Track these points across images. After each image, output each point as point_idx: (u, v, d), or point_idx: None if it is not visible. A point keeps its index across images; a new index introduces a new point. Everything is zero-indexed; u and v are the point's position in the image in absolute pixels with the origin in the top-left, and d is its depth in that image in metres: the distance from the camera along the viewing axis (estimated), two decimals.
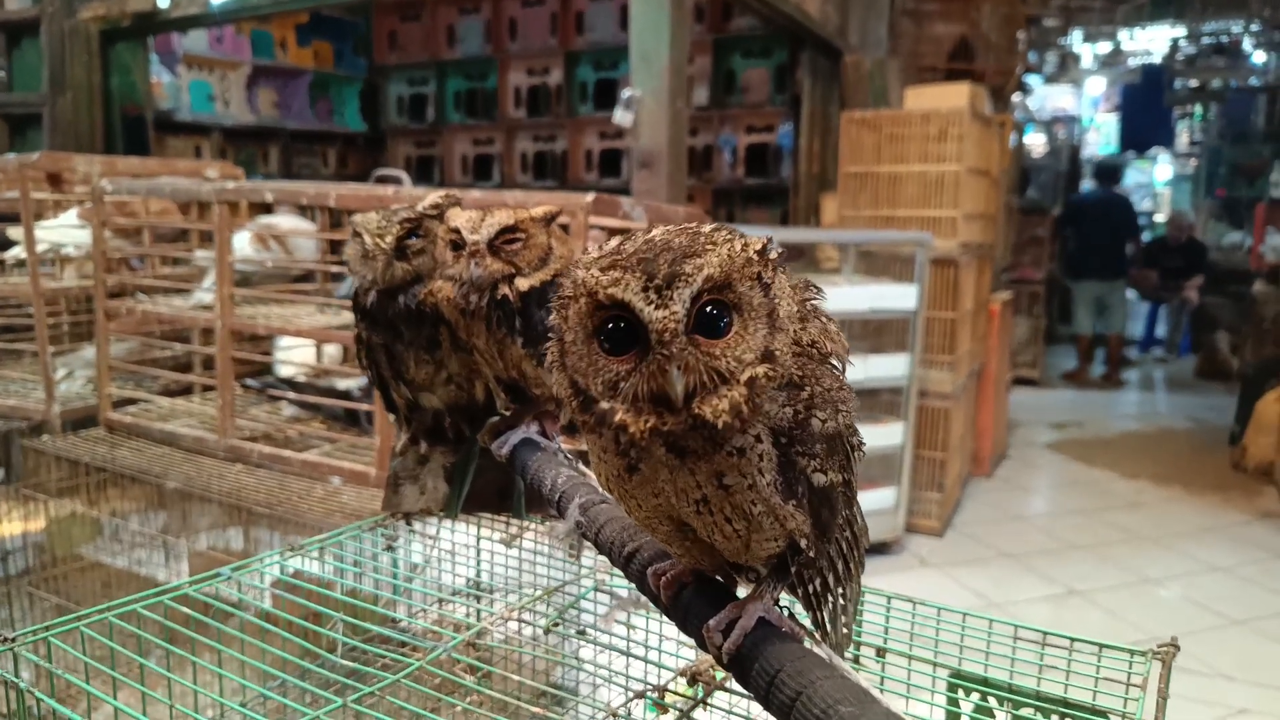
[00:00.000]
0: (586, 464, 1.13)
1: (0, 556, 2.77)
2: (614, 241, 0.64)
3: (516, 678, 1.04)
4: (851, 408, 0.70)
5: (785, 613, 0.71)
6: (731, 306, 0.62)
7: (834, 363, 0.68)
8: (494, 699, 1.01)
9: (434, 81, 8.68)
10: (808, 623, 0.73)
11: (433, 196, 1.13)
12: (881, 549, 4.60)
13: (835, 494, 0.69)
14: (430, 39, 8.58)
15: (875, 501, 4.52)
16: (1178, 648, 0.91)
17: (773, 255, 0.64)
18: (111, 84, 5.76)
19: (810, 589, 0.71)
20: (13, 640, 0.87)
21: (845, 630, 0.76)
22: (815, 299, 0.69)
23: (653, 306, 0.59)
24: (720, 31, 7.37)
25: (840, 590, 0.74)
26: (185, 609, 1.02)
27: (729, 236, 0.63)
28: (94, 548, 2.63)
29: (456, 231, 1.02)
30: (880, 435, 4.52)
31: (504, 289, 1.03)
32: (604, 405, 0.62)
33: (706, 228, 0.64)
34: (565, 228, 1.99)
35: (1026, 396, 8.13)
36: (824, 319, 0.69)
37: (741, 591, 0.75)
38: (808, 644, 0.68)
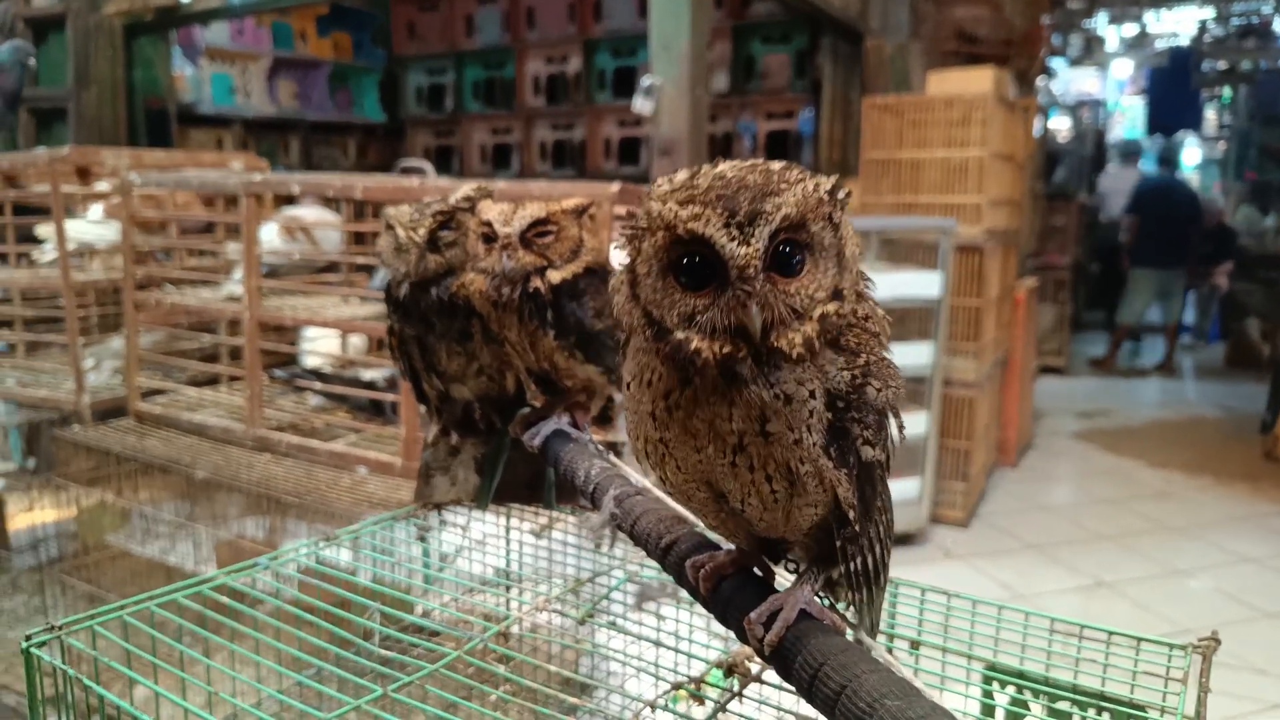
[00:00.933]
0: (618, 455, 1.13)
1: (33, 544, 2.82)
2: (682, 174, 0.65)
3: (551, 668, 1.04)
4: (900, 386, 0.70)
5: (826, 604, 0.71)
6: (804, 245, 0.63)
7: (883, 340, 0.69)
8: (526, 689, 1.01)
9: (452, 71, 8.68)
10: (842, 608, 0.73)
11: (465, 189, 1.13)
12: (906, 540, 4.57)
13: (876, 472, 0.70)
14: (448, 29, 8.58)
15: (899, 492, 4.48)
16: (1219, 641, 0.89)
17: (841, 196, 0.65)
18: (135, 78, 5.82)
19: (852, 567, 0.70)
20: (60, 629, 0.88)
21: (875, 619, 0.76)
22: (866, 283, 0.69)
23: (735, 243, 0.60)
24: (740, 17, 7.31)
25: (876, 575, 0.74)
26: (224, 598, 1.03)
27: (801, 176, 0.64)
28: (123, 536, 2.67)
29: (489, 225, 1.02)
30: (904, 424, 4.49)
31: (536, 282, 1.03)
32: (679, 335, 0.63)
33: (776, 165, 0.64)
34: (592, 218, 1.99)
35: (1053, 385, 8.05)
36: (872, 302, 0.69)
37: (780, 584, 0.75)
38: (849, 635, 0.67)
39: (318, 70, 8.19)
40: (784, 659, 0.64)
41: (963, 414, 4.84)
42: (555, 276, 1.04)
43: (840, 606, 0.74)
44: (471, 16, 8.48)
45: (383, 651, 0.97)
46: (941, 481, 4.86)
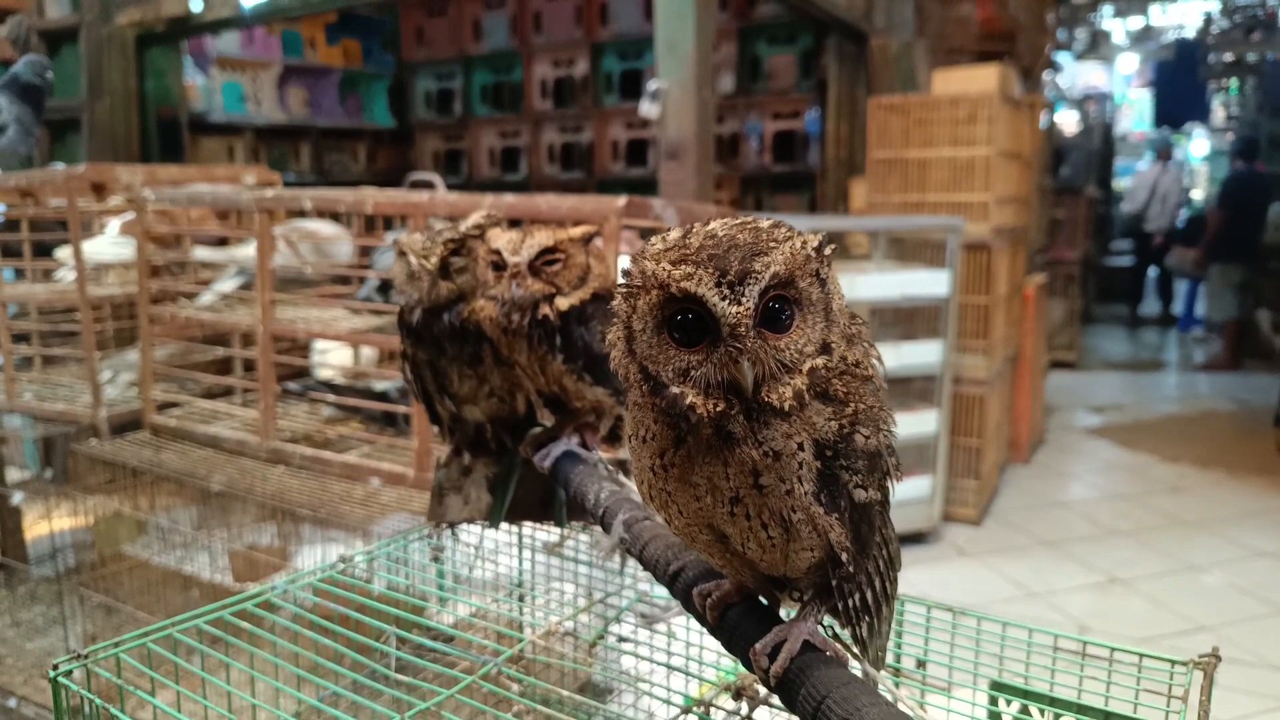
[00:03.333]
0: (627, 474, 1.15)
1: (50, 556, 2.86)
2: (675, 234, 0.67)
3: (563, 691, 1.06)
4: (892, 428, 0.71)
5: (830, 634, 0.72)
6: (793, 301, 0.65)
7: (876, 383, 0.70)
8: (539, 711, 1.03)
9: (461, 76, 8.72)
10: (847, 636, 0.75)
11: (475, 216, 1.16)
12: (918, 538, 4.58)
13: (873, 511, 0.72)
14: (456, 34, 8.62)
15: (911, 490, 4.49)
16: (1219, 658, 0.90)
17: (827, 252, 0.67)
18: (147, 88, 5.87)
19: (850, 603, 0.72)
20: (85, 657, 0.91)
21: (881, 649, 0.78)
22: (859, 325, 0.70)
23: (726, 302, 0.62)
24: (745, 19, 7.32)
25: (878, 608, 0.75)
26: (242, 623, 1.05)
27: (789, 234, 0.66)
28: (140, 546, 2.70)
29: (498, 253, 1.04)
30: (914, 423, 4.49)
31: (544, 308, 1.05)
32: (674, 390, 0.65)
33: (764, 223, 0.67)
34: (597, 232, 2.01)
35: (1064, 380, 8.02)
36: (867, 344, 0.71)
37: (785, 612, 0.76)
38: (853, 667, 0.69)
39: (327, 77, 8.24)
40: (788, 690, 0.66)
41: (974, 411, 4.84)
42: (563, 303, 1.06)
43: (847, 635, 0.75)
44: (479, 21, 8.51)
45: (397, 676, 0.99)
46: (953, 479, 4.86)
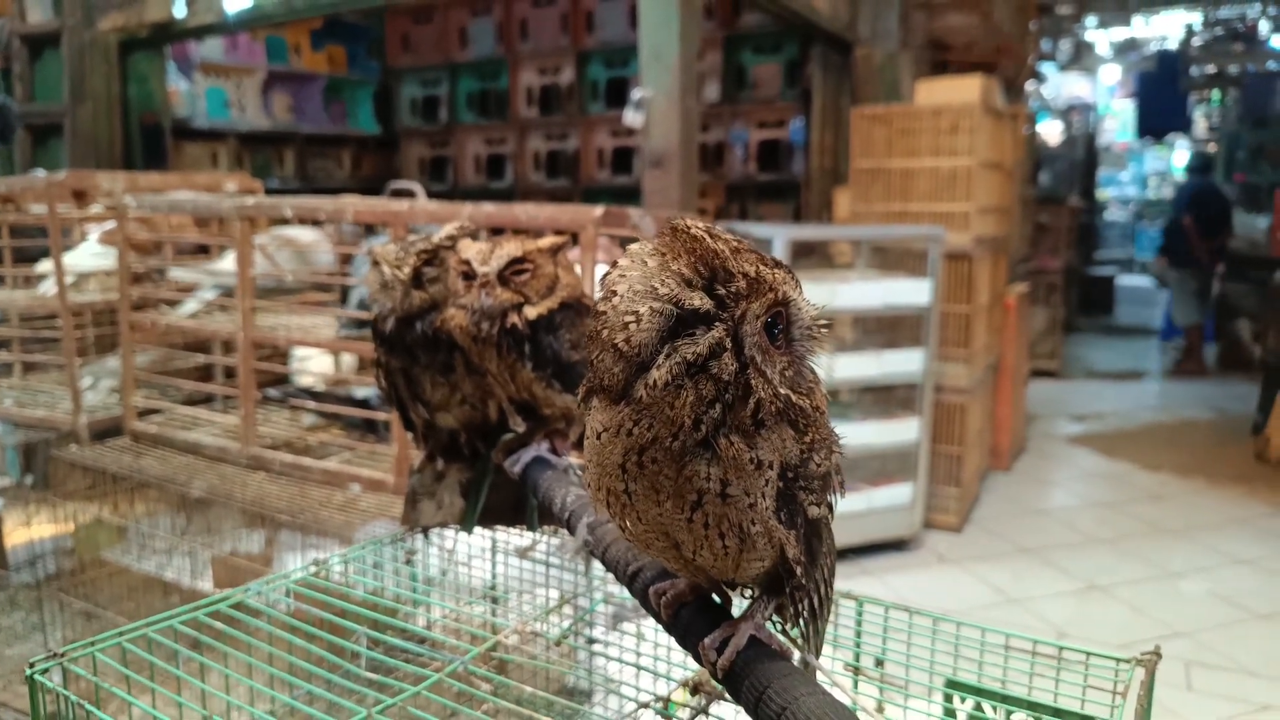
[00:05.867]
0: None
1: (30, 561, 2.86)
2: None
3: (529, 688, 1.09)
4: (840, 450, 0.75)
5: (777, 630, 0.76)
6: (784, 324, 0.70)
7: (826, 415, 0.74)
8: (509, 709, 1.06)
9: (446, 83, 8.74)
10: (792, 633, 0.79)
11: (447, 228, 1.18)
12: (899, 545, 4.62)
13: (823, 525, 0.76)
14: (442, 41, 8.64)
15: (892, 498, 4.54)
16: (1159, 655, 0.94)
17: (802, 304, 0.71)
18: (130, 93, 5.86)
19: (799, 608, 0.76)
20: (61, 655, 0.93)
21: (820, 640, 0.83)
22: (813, 358, 0.73)
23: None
24: (731, 28, 7.37)
25: (821, 608, 0.80)
26: (218, 624, 1.07)
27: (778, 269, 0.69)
28: (120, 552, 2.71)
29: (468, 263, 1.07)
30: (896, 431, 4.54)
31: (513, 317, 1.08)
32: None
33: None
34: (575, 236, 2.04)
35: (1046, 388, 8.09)
36: (817, 379, 0.74)
37: (737, 608, 0.80)
38: (796, 659, 0.72)
39: (312, 83, 8.25)
40: (734, 681, 0.69)
41: (955, 419, 4.89)
42: (531, 312, 1.09)
43: (794, 632, 0.78)
44: (465, 28, 8.54)
45: (368, 675, 1.01)
46: (935, 486, 4.90)
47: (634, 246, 0.69)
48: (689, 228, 0.66)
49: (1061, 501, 5.60)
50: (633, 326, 0.66)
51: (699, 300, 0.65)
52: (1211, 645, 3.73)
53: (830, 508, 0.76)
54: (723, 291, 0.65)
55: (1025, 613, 4.00)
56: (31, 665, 0.94)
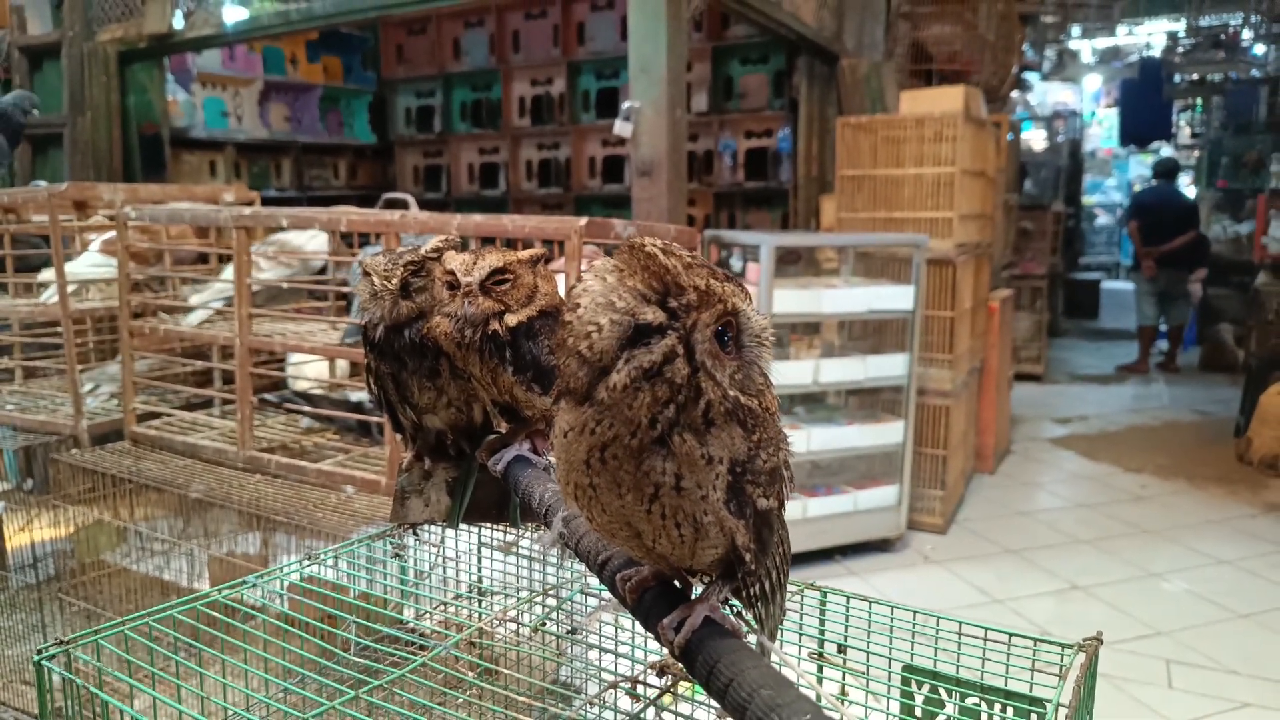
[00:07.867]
0: None
1: (31, 563, 2.92)
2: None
3: (511, 673, 1.16)
4: (786, 448, 0.82)
5: (732, 613, 0.83)
6: (735, 333, 0.76)
7: (776, 418, 0.81)
8: (494, 693, 1.13)
9: (440, 93, 8.83)
10: (749, 616, 0.86)
11: (433, 241, 1.26)
12: (884, 546, 4.69)
13: (773, 516, 0.82)
14: (436, 52, 8.73)
15: (877, 499, 4.61)
16: (1101, 641, 1.01)
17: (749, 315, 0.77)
18: (129, 103, 5.93)
19: (751, 593, 0.83)
20: (67, 643, 0.99)
21: (776, 623, 0.90)
22: (763, 363, 0.80)
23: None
24: (719, 39, 7.48)
25: (774, 593, 0.87)
26: (215, 614, 1.14)
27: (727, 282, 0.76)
28: (119, 554, 2.77)
29: (452, 274, 1.14)
30: (881, 434, 4.61)
31: (495, 325, 1.15)
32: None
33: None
34: (560, 245, 2.11)
35: (1030, 392, 8.18)
36: (768, 382, 0.81)
37: (696, 593, 0.87)
38: (750, 639, 0.79)
39: (309, 93, 8.33)
40: (690, 657, 0.76)
41: (939, 422, 4.97)
42: (512, 320, 1.16)
43: (750, 616, 0.86)
44: (459, 40, 8.64)
45: (360, 660, 1.08)
46: (919, 489, 4.98)
47: (598, 263, 0.77)
48: (644, 245, 0.73)
49: (1045, 503, 5.67)
50: (594, 335, 0.72)
51: (651, 314, 0.72)
52: (1192, 644, 3.80)
53: (781, 501, 0.82)
54: (675, 304, 0.72)
55: (1009, 612, 4.07)
56: (39, 653, 1.01)
